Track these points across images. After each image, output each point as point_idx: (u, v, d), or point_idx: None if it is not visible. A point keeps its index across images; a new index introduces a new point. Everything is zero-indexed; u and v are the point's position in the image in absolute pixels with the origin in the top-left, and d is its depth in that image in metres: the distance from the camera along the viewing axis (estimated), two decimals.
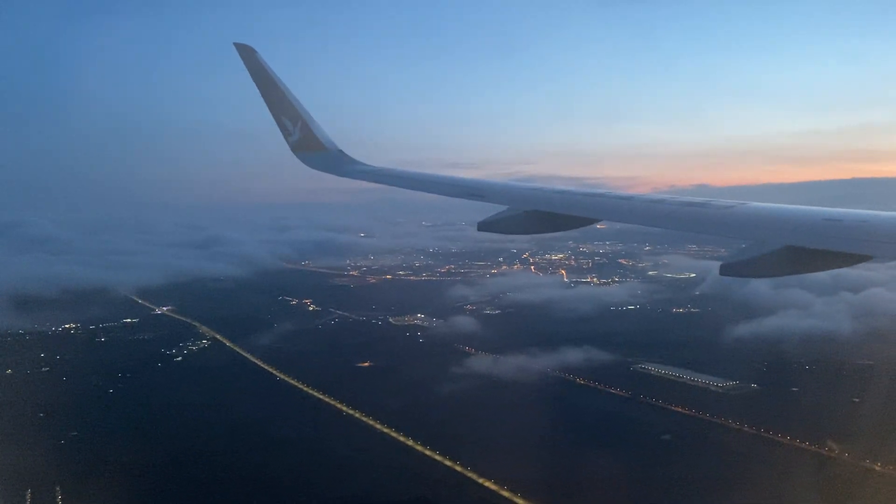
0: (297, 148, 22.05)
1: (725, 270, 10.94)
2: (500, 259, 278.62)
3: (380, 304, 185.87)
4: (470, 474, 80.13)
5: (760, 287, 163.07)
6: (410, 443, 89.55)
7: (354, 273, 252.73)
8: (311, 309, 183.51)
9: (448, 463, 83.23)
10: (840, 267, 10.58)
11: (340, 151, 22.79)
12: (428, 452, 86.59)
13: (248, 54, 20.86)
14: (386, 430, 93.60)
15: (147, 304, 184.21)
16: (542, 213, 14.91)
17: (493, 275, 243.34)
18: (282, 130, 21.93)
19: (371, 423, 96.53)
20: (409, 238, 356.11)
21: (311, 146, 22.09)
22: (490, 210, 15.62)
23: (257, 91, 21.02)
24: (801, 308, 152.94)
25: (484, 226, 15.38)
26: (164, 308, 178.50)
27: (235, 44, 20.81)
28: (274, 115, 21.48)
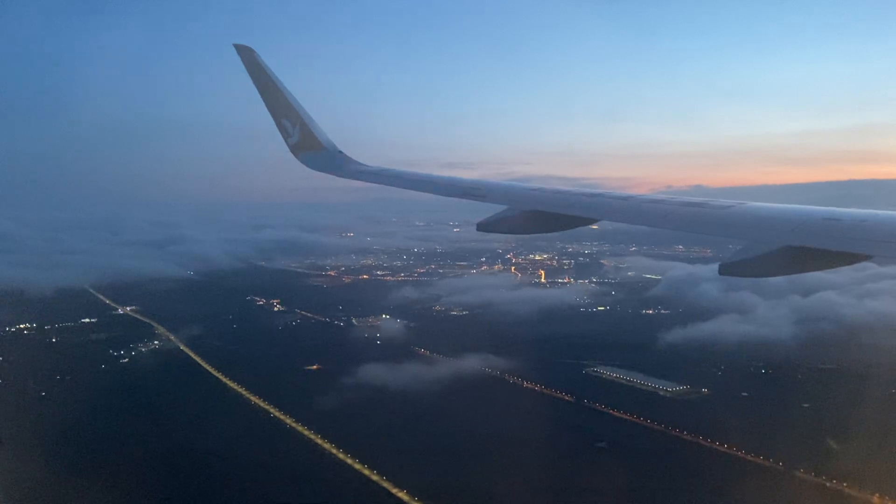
0: (296, 149, 22.16)
1: (724, 270, 10.94)
2: (483, 259, 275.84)
3: (348, 304, 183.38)
4: (375, 477, 77.95)
5: (711, 290, 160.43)
6: (329, 447, 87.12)
7: (332, 273, 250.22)
8: (276, 309, 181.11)
9: (357, 467, 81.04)
10: (839, 266, 10.64)
11: (340, 152, 22.84)
12: (341, 456, 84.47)
13: (247, 55, 20.84)
14: (310, 435, 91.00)
15: (111, 304, 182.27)
16: (540, 213, 14.96)
17: (471, 275, 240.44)
18: (281, 131, 21.99)
19: (295, 426, 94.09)
20: (396, 238, 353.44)
21: (310, 147, 22.19)
22: (488, 210, 15.73)
23: (257, 92, 21.11)
24: (750, 311, 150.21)
25: (483, 226, 15.57)
26: (128, 308, 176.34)
27: (235, 45, 20.80)
28: (273, 116, 21.60)
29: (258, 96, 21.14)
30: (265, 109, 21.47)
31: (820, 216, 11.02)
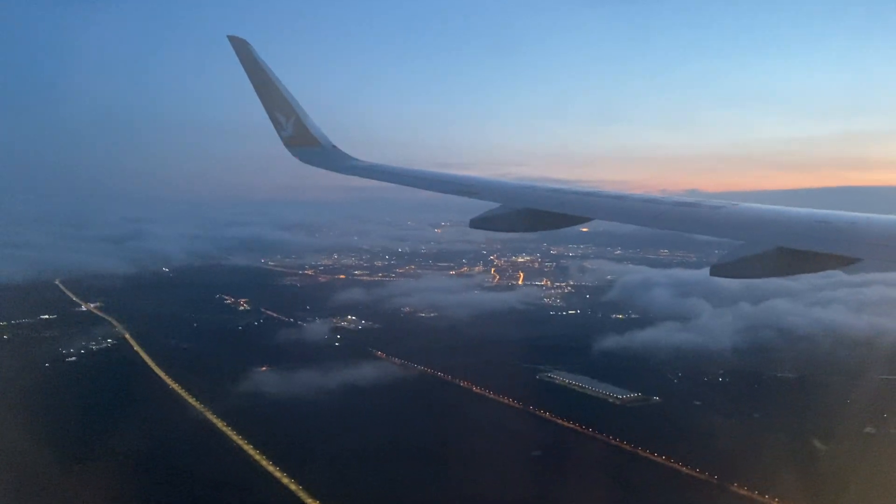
0: (289, 143, 21.87)
1: (715, 271, 10.84)
2: (464, 260, 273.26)
3: (317, 304, 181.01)
4: (293, 486, 75.08)
5: (662, 295, 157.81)
6: (250, 449, 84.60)
7: (309, 272, 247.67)
8: (241, 309, 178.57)
9: (277, 475, 78.20)
10: (831, 269, 10.60)
11: (334, 147, 22.67)
12: (261, 460, 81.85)
13: (241, 47, 20.49)
14: (236, 439, 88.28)
15: (76, 300, 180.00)
16: (533, 211, 14.89)
17: (449, 276, 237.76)
18: (274, 125, 21.68)
19: (225, 429, 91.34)
20: (383, 238, 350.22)
21: (304, 141, 22.00)
22: (481, 208, 15.62)
23: (250, 85, 20.86)
24: (697, 318, 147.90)
25: (476, 223, 15.47)
26: (92, 305, 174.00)
27: (229, 36, 20.46)
28: (267, 110, 21.30)
29: (252, 90, 20.86)
30: (259, 104, 21.21)
31: (811, 218, 11.04)
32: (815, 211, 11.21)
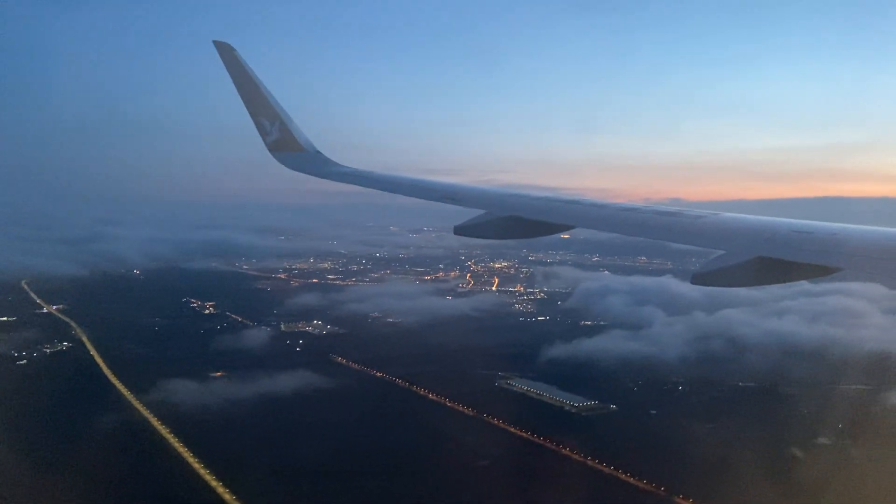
0: (274, 148, 21.77)
1: (697, 280, 10.93)
2: (441, 265, 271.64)
3: (285, 308, 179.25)
4: (227, 496, 73.05)
5: (616, 303, 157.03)
6: (190, 457, 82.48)
7: (282, 276, 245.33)
8: (207, 312, 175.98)
9: (214, 485, 75.99)
10: (810, 278, 10.91)
11: (318, 153, 22.60)
12: (199, 468, 79.69)
13: (226, 52, 20.47)
14: (176, 445, 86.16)
15: (39, 302, 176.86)
16: (517, 219, 14.95)
17: (423, 281, 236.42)
18: (259, 130, 21.60)
19: (168, 435, 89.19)
20: (362, 242, 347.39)
21: (288, 147, 21.88)
22: (466, 215, 15.71)
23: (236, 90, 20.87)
24: (655, 326, 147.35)
25: (460, 230, 15.62)
26: (54, 307, 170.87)
27: (215, 42, 20.45)
28: (252, 115, 21.27)
29: (237, 94, 20.83)
30: (244, 108, 21.14)
31: (792, 229, 11.09)
32: (796, 221, 11.24)
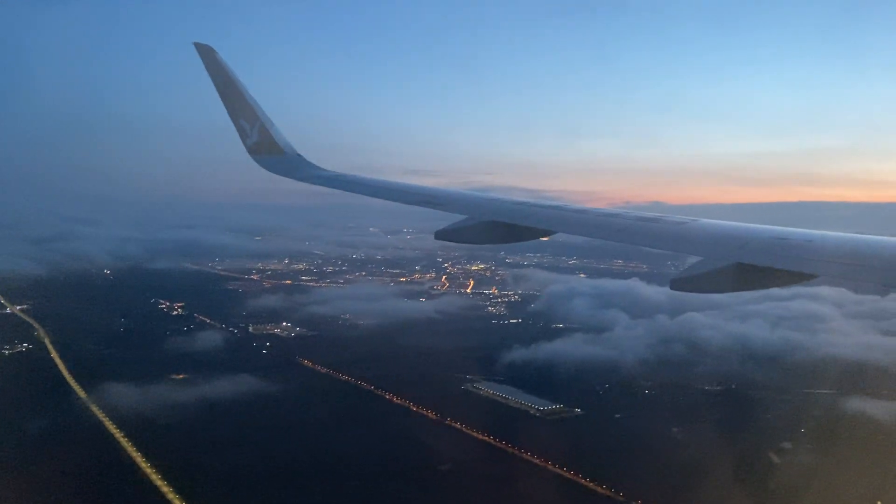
0: (254, 150, 21.64)
1: (676, 285, 10.93)
2: (417, 267, 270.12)
3: (256, 310, 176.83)
4: (171, 496, 71.49)
5: (581, 307, 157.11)
6: (142, 461, 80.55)
7: (255, 277, 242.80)
8: (175, 314, 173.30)
9: (162, 487, 74.40)
10: (787, 285, 10.78)
11: (298, 155, 22.45)
12: (151, 473, 77.74)
13: (207, 54, 20.40)
14: (129, 449, 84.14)
15: (3, 302, 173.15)
16: (498, 224, 14.87)
17: (398, 283, 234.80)
18: (239, 132, 21.49)
19: (122, 439, 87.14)
20: (339, 244, 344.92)
21: (268, 149, 21.76)
22: (447, 219, 15.62)
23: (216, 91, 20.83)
24: (628, 329, 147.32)
25: (441, 234, 15.47)
26: (18, 307, 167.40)
27: (195, 43, 20.33)
28: (231, 117, 21.20)
29: (217, 96, 20.81)
30: (223, 109, 21.12)
31: (769, 235, 11.19)
32: (774, 228, 11.34)
